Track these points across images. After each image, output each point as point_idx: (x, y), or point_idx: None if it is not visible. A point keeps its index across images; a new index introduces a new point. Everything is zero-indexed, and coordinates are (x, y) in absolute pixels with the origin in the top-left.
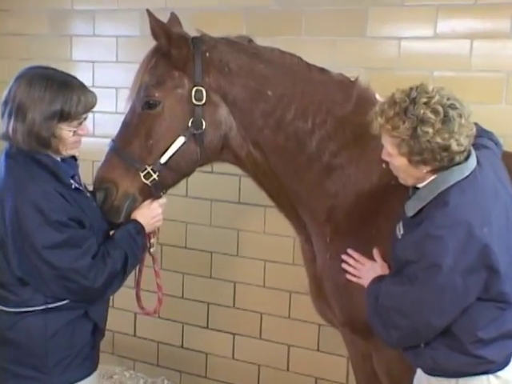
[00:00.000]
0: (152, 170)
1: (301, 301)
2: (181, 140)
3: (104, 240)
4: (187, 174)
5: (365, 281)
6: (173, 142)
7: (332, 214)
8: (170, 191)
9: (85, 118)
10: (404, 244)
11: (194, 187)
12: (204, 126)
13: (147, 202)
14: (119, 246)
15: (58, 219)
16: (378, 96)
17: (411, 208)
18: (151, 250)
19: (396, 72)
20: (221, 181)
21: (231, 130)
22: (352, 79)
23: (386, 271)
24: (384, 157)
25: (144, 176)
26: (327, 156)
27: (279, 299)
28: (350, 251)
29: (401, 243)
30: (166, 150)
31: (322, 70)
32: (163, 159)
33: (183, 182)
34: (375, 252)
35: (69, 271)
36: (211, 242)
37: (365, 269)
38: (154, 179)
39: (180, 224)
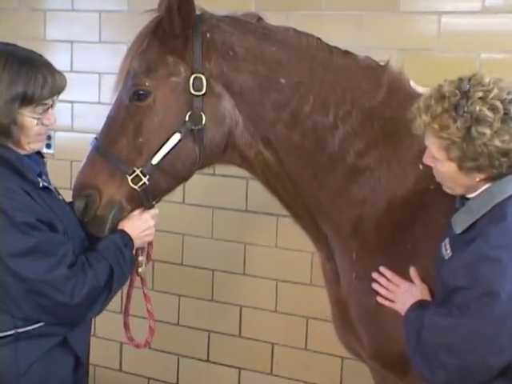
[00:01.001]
0: (142, 172)
1: (320, 329)
2: (176, 137)
3: (81, 251)
4: (184, 178)
5: (400, 305)
6: (167, 140)
7: (359, 225)
8: (164, 198)
9: (52, 105)
10: (453, 266)
11: (192, 192)
12: (204, 121)
13: (137, 213)
14: (103, 257)
15: (25, 220)
16: (413, 83)
17: (460, 223)
18: (139, 269)
19: (435, 54)
20: (224, 185)
21: (237, 126)
22: (382, 63)
23: (427, 295)
24: (427, 161)
25: (132, 180)
26: (352, 156)
27: (294, 327)
28: (381, 269)
29: (449, 265)
30: (159, 149)
31: (346, 53)
32: (155, 160)
33: (179, 187)
34: (412, 271)
35: (41, 284)
36: (213, 257)
37: (400, 291)
38: (145, 184)
39: (175, 236)
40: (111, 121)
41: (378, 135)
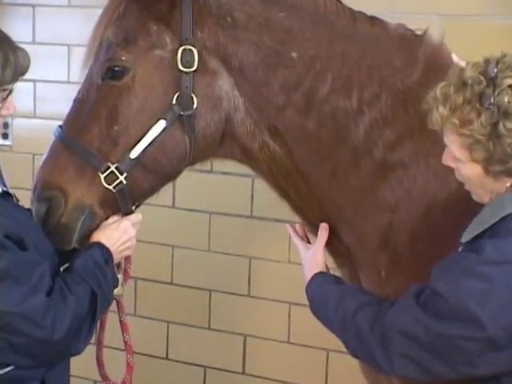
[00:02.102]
0: (118, 169)
1: (343, 363)
2: (161, 125)
3: (55, 270)
4: (171, 176)
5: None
6: (149, 129)
7: (389, 235)
8: (149, 201)
9: (11, 90)
10: (438, 265)
11: (184, 194)
12: (195, 105)
13: (113, 220)
14: (83, 279)
15: None
16: (456, 58)
17: (468, 231)
18: (114, 290)
19: (487, 21)
20: (224, 184)
21: (236, 111)
22: (418, 33)
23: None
24: (447, 162)
25: (106, 179)
26: (381, 149)
27: (311, 361)
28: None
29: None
30: (139, 139)
31: (373, 20)
32: (134, 153)
33: (168, 188)
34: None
35: (13, 317)
36: (210, 274)
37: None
38: (121, 183)
39: (163, 248)
40: (79, 105)
41: (413, 123)
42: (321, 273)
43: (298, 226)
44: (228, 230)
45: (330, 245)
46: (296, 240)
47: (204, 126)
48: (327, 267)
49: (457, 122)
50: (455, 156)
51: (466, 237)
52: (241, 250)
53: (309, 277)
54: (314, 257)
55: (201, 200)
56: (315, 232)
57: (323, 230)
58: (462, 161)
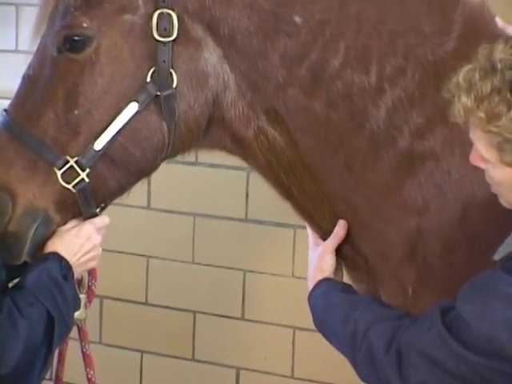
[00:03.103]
0: (79, 164)
1: None
2: (132, 108)
3: (2, 288)
4: (146, 172)
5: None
6: (117, 113)
7: (417, 243)
8: (118, 200)
9: None
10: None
11: (161, 192)
12: (175, 83)
13: (72, 225)
14: (36, 299)
15: None
16: (500, 22)
17: (504, 247)
18: (75, 313)
19: None
20: (212, 180)
21: (226, 90)
22: None
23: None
24: (475, 161)
25: (64, 176)
26: (407, 136)
27: None
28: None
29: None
30: (106, 127)
31: None
32: (99, 144)
33: (142, 185)
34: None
35: None
36: (194, 292)
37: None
38: (83, 181)
39: (136, 260)
40: (30, 83)
41: (446, 104)
42: (327, 279)
43: None
44: (217, 237)
45: (343, 256)
46: (310, 231)
47: (186, 110)
48: (341, 275)
49: (482, 115)
50: (482, 156)
51: (499, 253)
52: (233, 262)
53: (312, 283)
54: (321, 258)
55: (183, 199)
56: (326, 238)
57: (340, 228)
58: (490, 162)
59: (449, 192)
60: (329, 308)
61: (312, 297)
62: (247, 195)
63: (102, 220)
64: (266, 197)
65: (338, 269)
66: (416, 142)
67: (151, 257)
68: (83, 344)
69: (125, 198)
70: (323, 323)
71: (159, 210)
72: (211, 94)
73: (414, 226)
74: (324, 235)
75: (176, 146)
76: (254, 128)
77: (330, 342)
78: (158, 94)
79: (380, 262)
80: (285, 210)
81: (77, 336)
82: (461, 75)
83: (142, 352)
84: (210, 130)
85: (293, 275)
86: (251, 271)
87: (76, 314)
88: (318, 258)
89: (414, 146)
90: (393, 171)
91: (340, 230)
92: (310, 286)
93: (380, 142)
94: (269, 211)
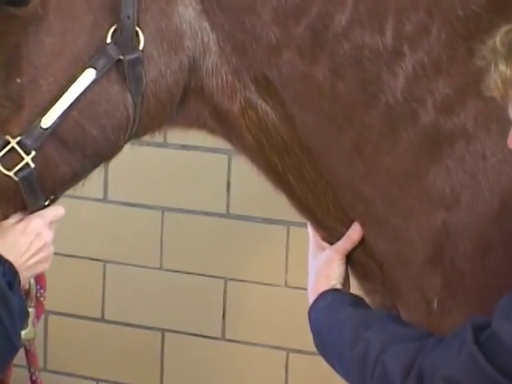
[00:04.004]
0: (22, 145)
1: None
2: (88, 76)
3: None
4: (105, 155)
5: (311, 282)
6: (70, 83)
7: (445, 244)
8: (69, 192)
9: None
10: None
11: (121, 181)
12: (142, 45)
13: (16, 220)
14: None
15: None
16: None
17: None
18: (22, 332)
19: None
20: (185, 165)
21: (206, 54)
22: None
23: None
24: None
25: (4, 160)
26: (431, 111)
27: None
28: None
29: None
30: (55, 99)
31: None
32: (47, 121)
33: (98, 172)
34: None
35: None
36: (163, 306)
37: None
38: (28, 167)
39: (90, 264)
40: None
41: (481, 72)
42: (334, 290)
43: None
44: (191, 237)
45: (352, 260)
46: (310, 231)
47: (156, 78)
48: (348, 285)
49: None
50: None
51: None
52: (211, 268)
53: (315, 294)
54: (329, 264)
55: (148, 190)
56: (330, 240)
57: (355, 231)
58: None
59: (483, 180)
60: (334, 324)
61: (314, 310)
62: (229, 184)
63: (54, 211)
64: (252, 187)
65: (345, 277)
66: (442, 117)
67: (108, 261)
68: (32, 370)
69: (78, 189)
70: (326, 343)
71: (118, 202)
72: (187, 59)
73: (441, 223)
74: (327, 235)
75: (143, 123)
76: (240, 101)
77: (333, 366)
78: (121, 58)
79: (398, 267)
80: (276, 203)
81: (23, 361)
82: (498, 38)
83: (98, 381)
84: (186, 103)
85: (286, 284)
86: (234, 279)
87: (23, 333)
88: (325, 263)
89: (439, 122)
90: (413, 154)
91: (354, 232)
92: (312, 297)
93: (397, 118)
94: (256, 204)
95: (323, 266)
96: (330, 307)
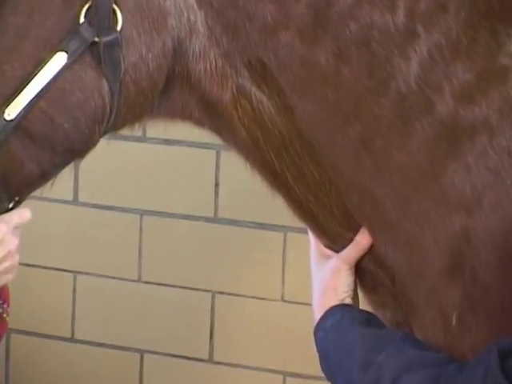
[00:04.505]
0: None
1: None
2: (59, 61)
3: None
4: (78, 151)
5: (315, 295)
6: (37, 68)
7: (464, 252)
8: (36, 193)
9: None
10: None
11: (93, 181)
12: (120, 25)
13: None
14: None
15: None
16: None
17: None
18: None
19: None
20: (167, 162)
21: (193, 35)
22: None
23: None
24: None
25: None
26: (449, 100)
27: None
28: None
29: None
30: (21, 87)
31: None
32: (12, 112)
33: (68, 171)
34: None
35: None
36: (141, 324)
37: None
38: None
39: (59, 277)
40: None
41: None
42: (343, 306)
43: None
44: (174, 244)
45: (359, 271)
46: (311, 238)
47: (136, 62)
48: (357, 299)
49: None
50: None
51: None
52: (197, 280)
53: (321, 309)
54: (336, 275)
55: (125, 191)
56: (333, 248)
57: (364, 236)
58: None
59: (509, 179)
60: (343, 346)
61: (320, 329)
62: (217, 185)
63: (20, 215)
64: (244, 187)
65: (354, 290)
66: (462, 107)
67: (79, 272)
68: None
69: (46, 190)
70: (333, 366)
71: (90, 205)
72: (171, 40)
73: (460, 228)
74: (330, 242)
75: (121, 114)
76: (231, 88)
77: None
78: (96, 39)
79: (411, 278)
80: (272, 206)
81: None
82: None
83: None
84: (170, 91)
85: (282, 299)
86: (223, 293)
87: None
88: (331, 274)
89: (458, 112)
90: (429, 149)
91: (363, 238)
92: (318, 313)
93: (410, 108)
94: (248, 207)
95: (330, 277)
96: (338, 326)
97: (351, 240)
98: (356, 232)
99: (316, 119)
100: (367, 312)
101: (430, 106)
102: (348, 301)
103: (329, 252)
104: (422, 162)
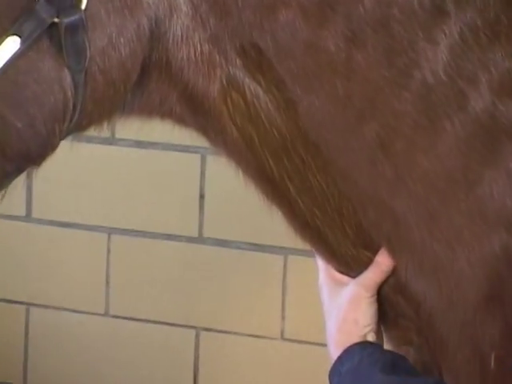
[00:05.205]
0: None
1: None
2: (10, 46)
3: None
4: (34, 157)
5: (329, 330)
6: None
7: (505, 278)
8: None
9: None
10: None
11: (50, 193)
12: (85, 2)
13: None
14: None
15: None
16: None
17: None
18: None
19: None
20: (142, 169)
21: (173, 15)
22: None
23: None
24: None
25: None
26: (487, 93)
27: None
28: None
29: None
30: None
31: None
32: None
33: (20, 181)
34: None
35: None
36: (109, 365)
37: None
38: None
39: (12, 308)
40: None
41: None
42: (363, 344)
43: None
44: (148, 269)
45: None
46: (320, 263)
47: (104, 48)
48: (381, 333)
49: None
50: None
51: None
52: (177, 314)
53: (338, 350)
54: (355, 304)
55: (89, 204)
56: (347, 273)
57: (384, 256)
58: None
59: None
60: None
61: (336, 373)
62: (202, 196)
63: None
64: (235, 199)
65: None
66: (501, 101)
67: (33, 305)
68: None
69: None
70: None
71: (47, 222)
72: (147, 21)
73: (499, 248)
74: (343, 267)
75: (87, 111)
76: (220, 79)
77: None
78: (56, 21)
79: (440, 310)
80: (268, 223)
81: None
82: None
83: None
84: (146, 83)
85: (282, 336)
86: (209, 330)
87: None
88: (350, 303)
89: (497, 108)
90: (461, 153)
91: (385, 258)
92: (335, 352)
93: (438, 103)
94: (240, 225)
95: (348, 307)
96: (356, 371)
97: (369, 261)
98: (375, 251)
99: (323, 117)
100: (392, 353)
101: (463, 101)
102: (371, 336)
103: (344, 277)
104: (453, 169)
